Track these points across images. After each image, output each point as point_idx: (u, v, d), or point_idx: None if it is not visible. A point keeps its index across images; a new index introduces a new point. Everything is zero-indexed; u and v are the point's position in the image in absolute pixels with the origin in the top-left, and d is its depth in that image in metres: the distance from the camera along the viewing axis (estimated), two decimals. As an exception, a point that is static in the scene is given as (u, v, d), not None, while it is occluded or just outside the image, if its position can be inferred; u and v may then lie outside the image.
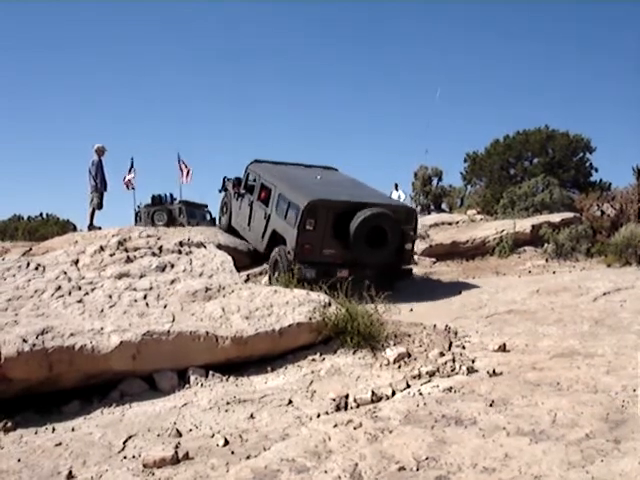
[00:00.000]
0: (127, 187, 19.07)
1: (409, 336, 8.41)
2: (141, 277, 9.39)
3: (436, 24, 79.25)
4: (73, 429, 6.29)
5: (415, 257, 17.88)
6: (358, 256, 11.97)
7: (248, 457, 5.13)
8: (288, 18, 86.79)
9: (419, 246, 18.14)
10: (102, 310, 8.06)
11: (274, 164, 15.19)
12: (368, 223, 11.80)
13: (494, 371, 6.91)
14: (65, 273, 9.35)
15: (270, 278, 12.42)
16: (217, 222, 18.10)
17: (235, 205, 15.27)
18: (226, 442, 5.54)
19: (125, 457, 5.47)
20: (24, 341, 6.81)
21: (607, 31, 68.23)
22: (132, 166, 18.16)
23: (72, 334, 7.13)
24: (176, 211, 24.40)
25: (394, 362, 7.56)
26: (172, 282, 9.24)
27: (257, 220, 13.75)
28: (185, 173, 20.54)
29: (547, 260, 17.02)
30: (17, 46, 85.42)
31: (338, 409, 6.28)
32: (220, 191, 17.06)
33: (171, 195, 25.56)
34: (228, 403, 6.66)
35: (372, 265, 12.04)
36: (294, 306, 8.47)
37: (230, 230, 15.89)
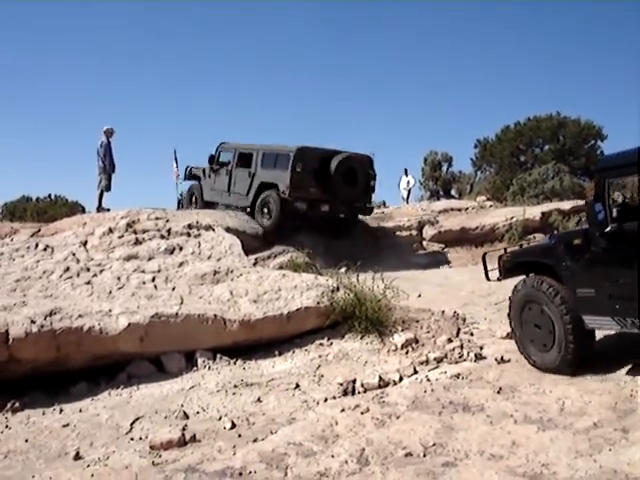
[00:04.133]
0: (176, 179, 18.94)
1: (417, 322, 8.39)
2: (149, 259, 9.40)
3: (447, 10, 78.73)
4: (80, 410, 6.31)
5: (424, 243, 17.92)
6: (337, 191, 14.73)
7: (255, 440, 5.14)
8: (293, 10, 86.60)
9: (428, 232, 18.10)
10: (110, 292, 8.08)
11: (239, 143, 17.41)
12: (345, 164, 14.84)
13: (502, 358, 6.89)
14: (74, 254, 9.37)
15: (255, 215, 14.97)
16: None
17: (208, 182, 17.22)
18: (233, 425, 5.56)
19: (132, 439, 5.50)
20: (32, 322, 6.82)
21: (621, 17, 67.66)
22: (176, 158, 18.14)
23: (80, 315, 7.15)
24: None
25: (402, 348, 7.55)
26: (180, 265, 9.25)
27: (239, 182, 15.94)
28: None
29: (556, 247, 16.86)
30: (27, 24, 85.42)
31: (345, 394, 6.28)
32: (185, 180, 18.57)
33: None
34: (235, 386, 6.67)
35: (346, 201, 15.09)
36: (302, 290, 8.45)
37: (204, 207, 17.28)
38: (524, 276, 6.89)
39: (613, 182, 6.06)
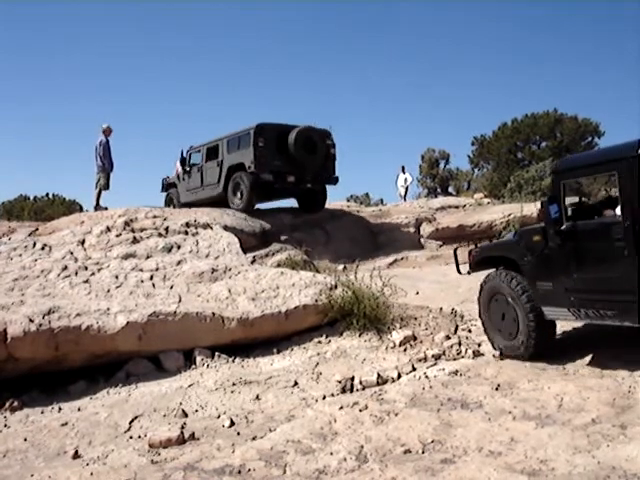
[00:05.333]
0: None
1: (415, 319, 8.40)
2: (147, 258, 9.38)
3: (446, 8, 78.81)
4: (79, 409, 6.32)
5: (422, 240, 17.92)
6: (298, 161, 15.34)
7: (254, 438, 5.15)
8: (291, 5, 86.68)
9: (425, 229, 18.11)
10: (108, 290, 8.07)
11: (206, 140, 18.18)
12: (303, 134, 15.50)
13: (500, 355, 6.90)
14: (71, 253, 9.35)
15: (229, 199, 15.57)
16: None
17: (182, 185, 17.83)
18: (232, 423, 5.57)
19: (131, 437, 5.50)
20: (31, 321, 6.82)
21: (618, 14, 67.67)
22: (182, 157, 18.32)
23: (78, 314, 7.15)
24: None
25: (400, 345, 7.56)
26: (178, 263, 9.23)
27: (210, 173, 16.66)
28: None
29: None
30: (25, 23, 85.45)
31: (344, 391, 6.29)
32: (162, 191, 19.04)
33: None
34: (234, 384, 6.68)
35: (309, 170, 15.64)
36: (300, 288, 8.45)
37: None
38: (493, 269, 7.28)
39: (568, 183, 6.56)
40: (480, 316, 7.42)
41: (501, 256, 7.22)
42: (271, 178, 15.11)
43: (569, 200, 7.01)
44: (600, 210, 6.50)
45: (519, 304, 6.65)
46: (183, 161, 17.71)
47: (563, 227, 6.17)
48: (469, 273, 7.81)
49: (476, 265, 7.68)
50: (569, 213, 6.32)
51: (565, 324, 7.49)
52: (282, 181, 15.36)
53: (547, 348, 6.69)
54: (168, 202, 18.40)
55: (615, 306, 5.78)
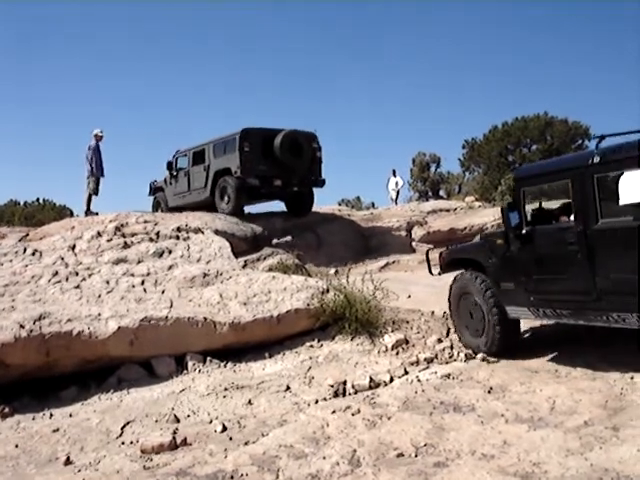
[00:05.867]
0: None
1: (407, 323, 8.40)
2: (138, 263, 9.35)
3: (436, 11, 79.04)
4: (71, 415, 6.29)
5: (413, 244, 17.93)
6: (285, 165, 15.25)
7: (246, 443, 5.13)
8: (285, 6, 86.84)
9: (417, 232, 18.13)
10: (99, 296, 8.04)
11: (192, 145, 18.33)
12: (289, 137, 15.42)
13: (492, 358, 6.91)
14: (62, 259, 9.31)
15: (216, 203, 15.54)
16: None
17: (170, 189, 17.77)
18: (224, 428, 5.55)
19: (123, 443, 5.48)
20: (21, 327, 6.79)
21: (608, 17, 68.00)
22: (169, 162, 18.47)
23: (69, 320, 7.12)
24: None
25: (392, 348, 7.56)
26: (170, 268, 9.21)
27: (196, 178, 16.64)
28: None
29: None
30: (17, 28, 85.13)
31: (336, 395, 6.28)
32: (150, 195, 18.88)
33: None
34: (226, 389, 6.66)
35: (296, 173, 15.59)
36: (292, 292, 8.44)
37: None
38: (463, 270, 7.62)
39: (528, 190, 6.91)
40: (451, 315, 7.76)
41: (469, 258, 7.60)
42: (257, 183, 15.14)
43: (559, 203, 7.16)
44: (557, 216, 6.84)
45: (485, 303, 7.01)
46: (170, 165, 17.66)
47: (523, 231, 6.55)
48: (440, 274, 8.16)
49: (446, 266, 8.03)
50: (529, 218, 6.74)
51: (558, 326, 7.52)
52: (268, 185, 15.37)
53: (511, 345, 7.02)
54: (155, 206, 18.33)
55: (570, 305, 6.19)
